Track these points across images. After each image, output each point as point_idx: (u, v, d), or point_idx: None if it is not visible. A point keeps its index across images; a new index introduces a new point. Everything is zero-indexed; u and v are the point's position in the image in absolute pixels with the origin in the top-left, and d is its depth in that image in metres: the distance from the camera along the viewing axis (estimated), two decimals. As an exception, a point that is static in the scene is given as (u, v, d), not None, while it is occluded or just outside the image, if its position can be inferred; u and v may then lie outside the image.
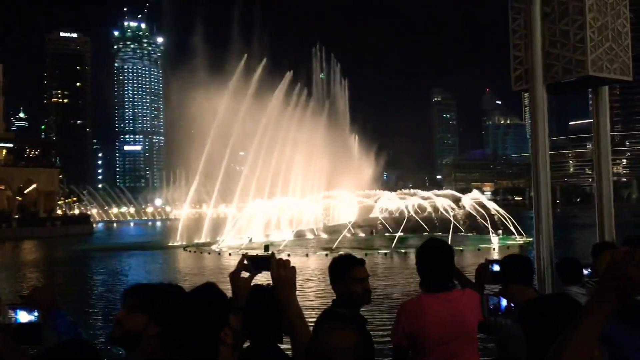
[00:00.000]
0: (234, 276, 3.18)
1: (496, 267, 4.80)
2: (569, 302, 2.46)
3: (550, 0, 6.39)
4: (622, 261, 1.87)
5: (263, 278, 3.27)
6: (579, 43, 6.16)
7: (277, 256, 3.23)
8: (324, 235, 60.28)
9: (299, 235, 60.46)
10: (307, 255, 42.88)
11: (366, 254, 36.72)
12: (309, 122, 79.03)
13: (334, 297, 4.24)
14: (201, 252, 49.71)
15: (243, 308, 3.03)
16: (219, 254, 47.91)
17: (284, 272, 3.09)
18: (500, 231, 49.62)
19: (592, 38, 6.14)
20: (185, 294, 2.96)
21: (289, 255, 42.31)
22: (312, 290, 25.04)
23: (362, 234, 61.60)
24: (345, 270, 4.17)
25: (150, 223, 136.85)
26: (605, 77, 6.32)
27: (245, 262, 3.20)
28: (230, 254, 46.35)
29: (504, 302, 4.40)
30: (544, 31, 6.37)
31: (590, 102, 7.17)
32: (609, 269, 1.91)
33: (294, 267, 3.14)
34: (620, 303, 1.90)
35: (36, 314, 3.41)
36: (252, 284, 3.23)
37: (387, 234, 57.25)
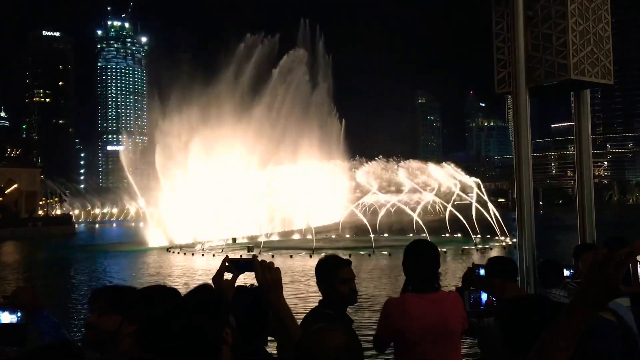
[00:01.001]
0: (217, 279, 3.16)
1: (483, 272, 4.85)
2: (549, 304, 2.49)
3: (533, 4, 6.47)
4: (602, 264, 1.90)
5: (244, 278, 3.26)
6: (561, 47, 6.24)
7: (260, 258, 3.22)
8: (309, 236, 60.26)
9: (285, 235, 60.42)
10: (291, 256, 42.83)
11: (350, 255, 36.80)
12: (293, 123, 79.13)
13: (320, 298, 4.26)
14: (184, 253, 49.46)
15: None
16: (203, 255, 47.71)
17: (269, 275, 3.07)
18: (478, 236, 50.04)
19: (574, 42, 6.23)
20: (170, 294, 2.95)
21: (272, 256, 42.24)
22: (296, 292, 25.04)
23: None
24: (332, 271, 4.19)
25: (132, 224, 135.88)
26: (586, 80, 6.41)
27: (227, 264, 3.19)
28: (214, 255, 46.18)
29: (484, 297, 4.45)
30: (527, 35, 6.44)
31: (572, 105, 7.26)
32: (590, 271, 1.94)
33: (278, 268, 3.13)
34: (602, 305, 1.94)
35: (19, 314, 3.37)
36: (235, 285, 3.23)
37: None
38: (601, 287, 1.90)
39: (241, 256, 3.23)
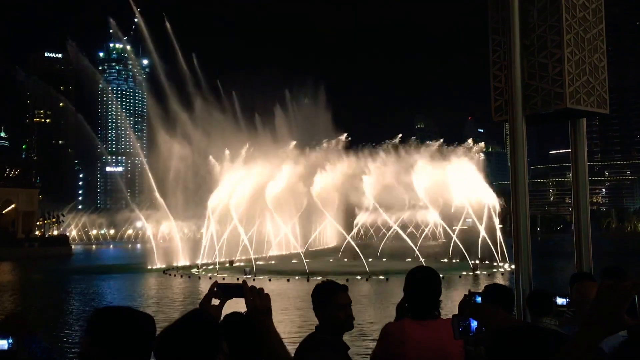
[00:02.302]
0: (205, 304, 3.15)
1: (480, 300, 4.84)
2: (538, 336, 2.48)
3: (529, 34, 6.56)
4: (607, 295, 1.89)
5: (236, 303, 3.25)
6: (557, 76, 6.31)
7: (253, 283, 3.21)
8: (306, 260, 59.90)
9: (280, 259, 60.12)
10: (288, 280, 42.61)
11: (347, 279, 36.61)
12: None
13: (316, 324, 4.24)
14: (181, 276, 49.19)
15: None
16: (199, 277, 47.46)
17: (258, 300, 3.06)
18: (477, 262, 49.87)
19: (569, 71, 6.30)
20: (152, 322, 2.95)
21: (269, 279, 42.05)
22: (291, 317, 24.85)
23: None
24: (328, 297, 4.17)
25: (130, 245, 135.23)
26: (582, 109, 6.47)
27: (215, 289, 3.17)
28: (210, 277, 45.96)
29: (474, 324, 4.44)
30: (524, 64, 6.52)
31: (570, 132, 7.31)
32: (595, 304, 1.92)
33: (268, 295, 3.12)
34: (607, 336, 1.92)
35: (10, 341, 3.35)
36: (230, 311, 3.22)
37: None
38: (606, 319, 1.89)
39: (228, 282, 3.19)
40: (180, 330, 2.34)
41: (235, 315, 3.28)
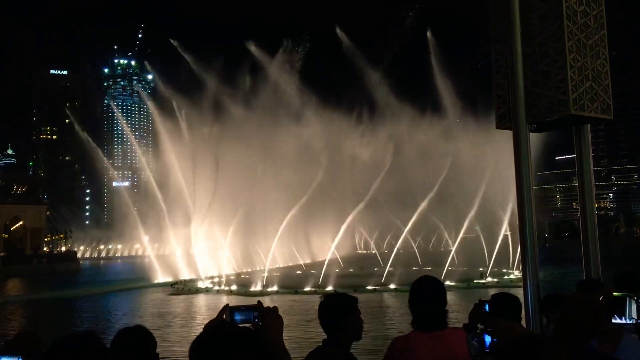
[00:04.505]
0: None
1: (488, 308, 4.81)
2: (539, 346, 2.46)
3: (531, 41, 6.57)
4: (577, 310, 1.85)
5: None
6: (560, 83, 6.31)
7: (260, 297, 3.20)
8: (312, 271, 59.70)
9: (289, 270, 59.98)
10: (296, 291, 42.51)
11: (355, 290, 36.48)
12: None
13: (324, 337, 4.22)
14: (189, 290, 49.13)
15: None
16: (207, 290, 47.44)
17: (275, 317, 3.07)
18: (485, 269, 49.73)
19: (572, 78, 6.29)
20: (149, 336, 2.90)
21: (277, 291, 42.00)
22: (299, 330, 24.76)
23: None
24: (337, 308, 4.15)
25: (138, 260, 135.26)
26: (586, 115, 6.46)
27: (225, 316, 3.15)
28: (217, 291, 45.97)
29: (488, 339, 4.41)
30: (526, 71, 6.52)
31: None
32: (564, 317, 1.88)
33: (281, 317, 3.12)
34: (575, 350, 1.87)
35: None
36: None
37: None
38: (576, 334, 1.84)
39: (242, 305, 3.17)
40: (216, 337, 2.27)
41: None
